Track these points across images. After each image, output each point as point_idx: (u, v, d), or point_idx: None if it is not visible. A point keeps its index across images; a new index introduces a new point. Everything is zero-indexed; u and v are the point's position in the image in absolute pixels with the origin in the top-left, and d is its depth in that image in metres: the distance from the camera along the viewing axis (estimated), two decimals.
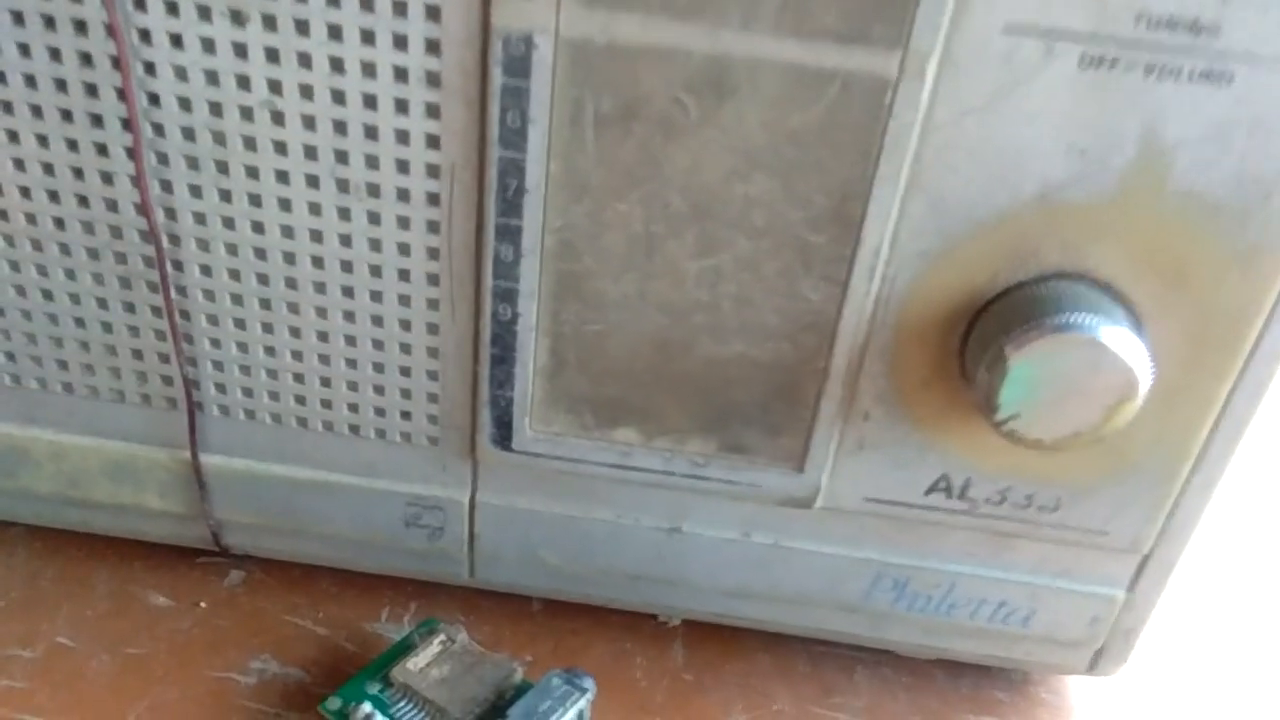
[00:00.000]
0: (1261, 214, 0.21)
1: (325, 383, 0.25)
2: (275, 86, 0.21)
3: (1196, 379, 0.23)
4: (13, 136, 0.23)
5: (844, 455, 0.25)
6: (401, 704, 0.25)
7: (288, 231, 0.23)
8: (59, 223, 0.24)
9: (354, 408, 0.26)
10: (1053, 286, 0.21)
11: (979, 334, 0.22)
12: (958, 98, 0.20)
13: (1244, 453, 0.24)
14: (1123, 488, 0.24)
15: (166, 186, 0.23)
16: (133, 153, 0.22)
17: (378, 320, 0.24)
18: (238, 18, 0.21)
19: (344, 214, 0.23)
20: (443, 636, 0.27)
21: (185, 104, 0.22)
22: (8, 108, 0.22)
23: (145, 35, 0.21)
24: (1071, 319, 0.21)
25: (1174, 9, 0.19)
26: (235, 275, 0.24)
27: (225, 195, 0.23)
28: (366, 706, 0.25)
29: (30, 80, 0.22)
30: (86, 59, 0.22)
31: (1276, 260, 0.21)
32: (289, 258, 0.24)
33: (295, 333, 0.25)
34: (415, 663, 0.26)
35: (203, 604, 0.30)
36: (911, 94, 0.20)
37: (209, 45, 0.21)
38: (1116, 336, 0.21)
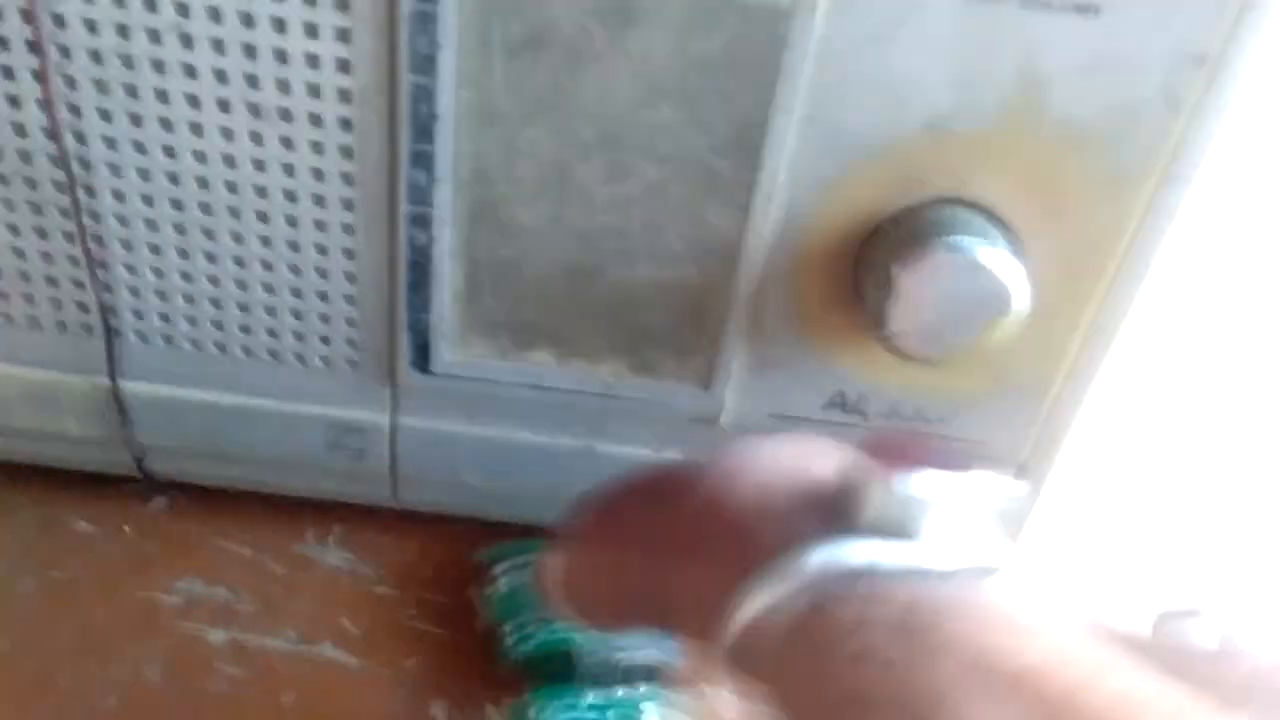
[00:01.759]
0: (1129, 142, 0.22)
1: (243, 308, 0.26)
2: (182, 9, 0.21)
3: (1068, 299, 0.24)
4: None
5: (748, 374, 0.26)
6: None
7: (200, 156, 0.23)
8: None
9: (273, 333, 0.26)
10: (939, 211, 0.23)
11: (871, 256, 0.23)
12: (849, 29, 0.21)
13: (1118, 370, 0.26)
14: (1001, 401, 0.26)
15: (75, 111, 0.23)
16: (40, 75, 0.22)
17: (294, 245, 0.25)
18: None
19: (256, 138, 0.23)
20: None
21: (92, 26, 0.22)
22: None
23: None
24: (954, 241, 0.22)
25: None
26: (148, 200, 0.24)
27: (135, 120, 0.23)
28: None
29: None
30: None
31: (1142, 187, 0.23)
32: (202, 182, 0.24)
33: (211, 258, 0.25)
34: None
35: (127, 529, 0.30)
36: (805, 24, 0.21)
37: None
38: (995, 258, 0.22)
